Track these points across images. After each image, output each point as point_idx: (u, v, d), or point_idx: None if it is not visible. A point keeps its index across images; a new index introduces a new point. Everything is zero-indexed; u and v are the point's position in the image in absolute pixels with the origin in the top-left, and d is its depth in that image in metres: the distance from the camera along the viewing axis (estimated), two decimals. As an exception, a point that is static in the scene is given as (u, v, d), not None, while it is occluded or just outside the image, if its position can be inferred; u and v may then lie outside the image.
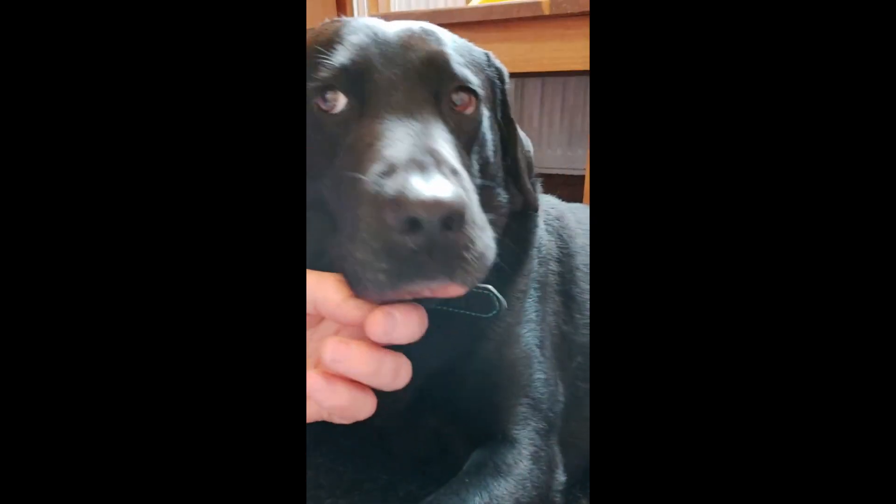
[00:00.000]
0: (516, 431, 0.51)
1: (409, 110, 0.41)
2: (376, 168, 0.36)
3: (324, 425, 0.65)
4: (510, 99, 0.56)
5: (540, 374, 0.54)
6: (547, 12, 1.16)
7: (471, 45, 0.53)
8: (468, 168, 0.45)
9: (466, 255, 0.34)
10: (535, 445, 0.51)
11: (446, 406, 0.53)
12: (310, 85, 0.42)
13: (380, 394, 0.53)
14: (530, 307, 0.57)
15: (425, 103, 0.43)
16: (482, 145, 0.48)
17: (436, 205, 0.32)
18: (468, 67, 0.47)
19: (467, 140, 0.46)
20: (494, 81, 0.53)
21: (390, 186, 0.33)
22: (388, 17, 1.40)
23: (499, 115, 0.53)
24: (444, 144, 0.40)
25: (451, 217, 0.33)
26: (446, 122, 0.43)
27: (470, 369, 0.52)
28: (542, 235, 0.62)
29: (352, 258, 0.35)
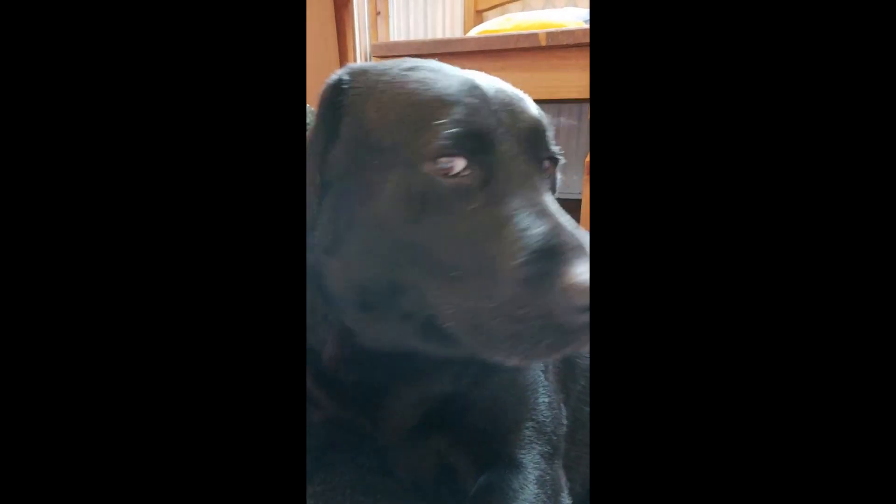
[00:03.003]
0: (522, 455, 0.51)
1: (529, 182, 0.43)
2: (530, 246, 0.39)
3: (321, 452, 0.64)
4: None
5: (544, 398, 0.54)
6: (543, 44, 1.20)
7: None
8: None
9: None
10: (541, 469, 0.51)
11: (452, 429, 0.52)
12: (428, 146, 0.42)
13: (385, 414, 0.53)
14: None
15: (537, 172, 0.45)
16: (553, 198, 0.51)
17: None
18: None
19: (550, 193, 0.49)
20: None
21: (567, 273, 0.37)
22: (388, 45, 1.43)
23: None
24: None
25: None
26: (546, 185, 0.46)
27: (479, 395, 0.52)
28: None
29: (497, 332, 0.38)
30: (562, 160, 0.51)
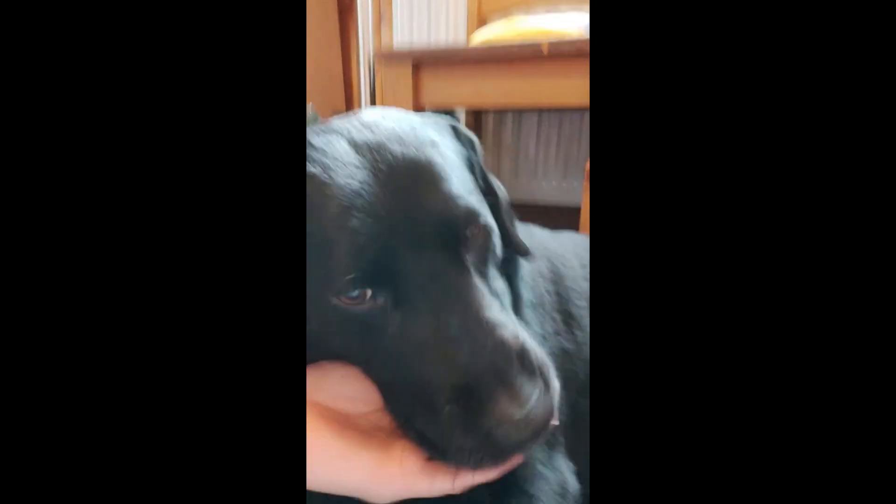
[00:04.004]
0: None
1: (444, 284, 0.39)
2: (453, 380, 0.37)
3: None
4: (483, 164, 0.54)
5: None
6: (546, 53, 1.21)
7: (440, 123, 0.51)
8: (494, 282, 0.45)
9: (553, 423, 0.38)
10: (541, 462, 0.51)
11: None
12: (328, 285, 0.39)
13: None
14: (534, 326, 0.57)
15: (453, 265, 0.40)
16: (494, 248, 0.47)
17: (531, 424, 0.36)
18: (464, 188, 0.43)
19: (485, 258, 0.45)
20: (470, 155, 0.51)
21: (494, 412, 0.35)
22: (392, 53, 1.44)
23: (480, 182, 0.51)
24: (494, 307, 0.40)
25: (548, 421, 0.37)
26: (470, 264, 0.42)
27: None
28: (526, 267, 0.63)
29: (449, 447, 0.37)
30: (490, 225, 0.45)
